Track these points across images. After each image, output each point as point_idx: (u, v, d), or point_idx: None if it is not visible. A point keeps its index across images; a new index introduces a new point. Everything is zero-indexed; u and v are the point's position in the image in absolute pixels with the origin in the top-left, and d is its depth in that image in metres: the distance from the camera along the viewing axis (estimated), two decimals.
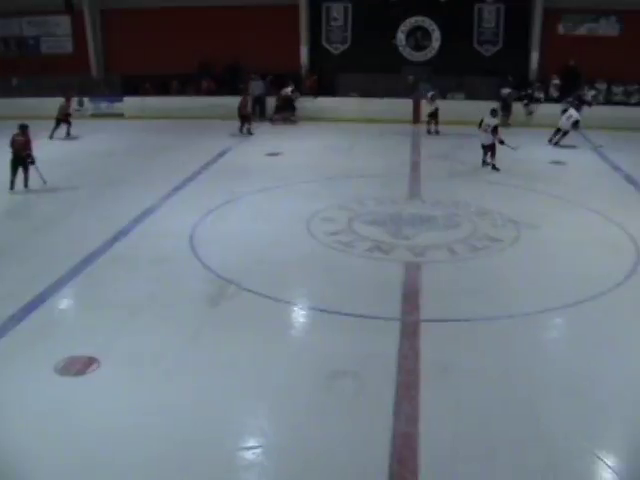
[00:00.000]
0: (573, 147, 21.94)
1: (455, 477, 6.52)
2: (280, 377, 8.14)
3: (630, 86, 26.15)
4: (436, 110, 23.73)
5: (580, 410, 7.57)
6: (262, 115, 25.77)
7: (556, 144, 22.14)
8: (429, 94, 24.35)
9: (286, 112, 25.34)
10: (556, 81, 26.30)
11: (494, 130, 18.09)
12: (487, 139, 18.28)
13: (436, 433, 7.09)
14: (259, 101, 25.83)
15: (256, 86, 25.76)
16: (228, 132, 23.35)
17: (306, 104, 25.67)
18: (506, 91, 25.41)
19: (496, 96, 25.05)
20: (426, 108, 24.34)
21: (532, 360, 8.65)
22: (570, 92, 24.98)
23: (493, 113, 18.65)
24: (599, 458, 6.78)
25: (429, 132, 23.74)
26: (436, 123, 23.70)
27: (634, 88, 25.98)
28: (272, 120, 25.11)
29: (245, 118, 23.15)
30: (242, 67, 26.62)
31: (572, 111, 22.28)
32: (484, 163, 18.55)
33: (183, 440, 6.97)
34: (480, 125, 18.41)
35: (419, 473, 6.52)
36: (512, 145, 18.49)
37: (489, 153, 18.39)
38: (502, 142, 18.33)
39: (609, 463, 6.73)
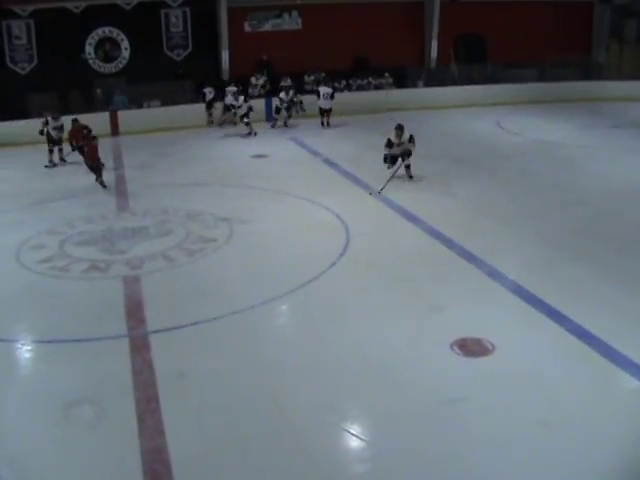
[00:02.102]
0: (272, 139, 22.84)
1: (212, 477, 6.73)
2: (14, 420, 7.84)
3: (318, 74, 27.76)
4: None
5: (319, 387, 8.11)
6: None
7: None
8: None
9: None
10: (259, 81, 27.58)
11: None
12: None
13: (184, 441, 7.22)
14: None
15: None
16: None
17: None
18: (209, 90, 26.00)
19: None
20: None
21: (267, 349, 9.07)
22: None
23: None
24: (345, 429, 7.31)
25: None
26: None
27: (321, 76, 27.48)
28: None
29: None
30: None
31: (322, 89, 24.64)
32: None
33: None
34: None
35: None
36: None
37: None
38: None
39: (354, 432, 7.29)
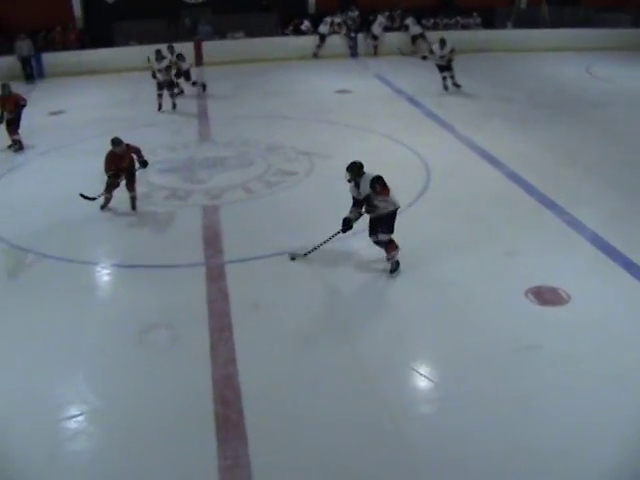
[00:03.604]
0: (356, 75, 22.56)
1: (279, 409, 6.76)
2: (93, 340, 8.04)
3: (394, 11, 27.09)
4: None
5: (391, 324, 8.10)
6: (32, 78, 24.30)
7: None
8: None
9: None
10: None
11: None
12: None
13: (255, 370, 7.31)
14: (27, 61, 24.31)
15: (22, 46, 24.13)
16: None
17: (78, 58, 24.69)
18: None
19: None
20: None
21: (343, 286, 9.07)
22: None
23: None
24: (414, 369, 7.29)
25: None
26: None
27: (397, 13, 26.91)
28: None
29: None
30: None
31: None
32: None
33: (2, 418, 6.83)
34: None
35: (244, 411, 6.72)
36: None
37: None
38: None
39: (423, 372, 7.28)
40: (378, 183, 8.78)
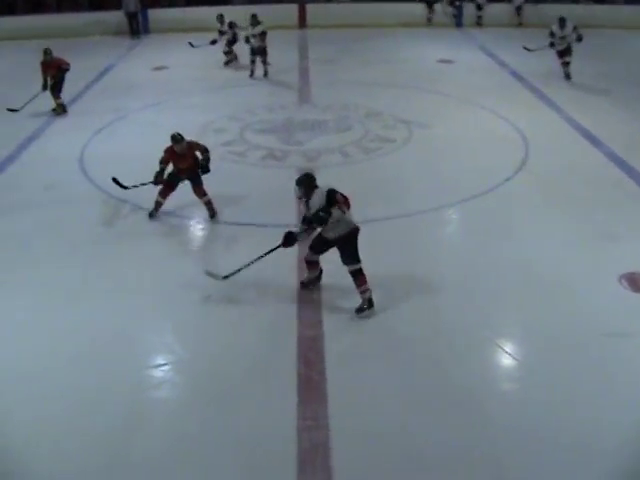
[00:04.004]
0: (460, 45, 22.13)
1: (360, 375, 6.71)
2: (182, 292, 8.14)
3: None
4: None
5: (479, 299, 7.92)
6: (137, 33, 24.70)
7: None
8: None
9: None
10: None
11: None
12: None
13: (340, 334, 7.29)
14: (133, 17, 24.71)
15: (129, 1, 24.52)
16: (111, 48, 22.59)
17: (183, 15, 24.94)
18: None
19: None
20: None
21: (431, 255, 8.91)
22: None
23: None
24: (499, 346, 7.11)
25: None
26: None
27: None
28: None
29: None
30: None
31: None
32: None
33: (90, 363, 6.98)
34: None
35: (326, 373, 6.71)
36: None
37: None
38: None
39: (508, 350, 7.07)
40: (337, 193, 7.47)
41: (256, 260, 8.00)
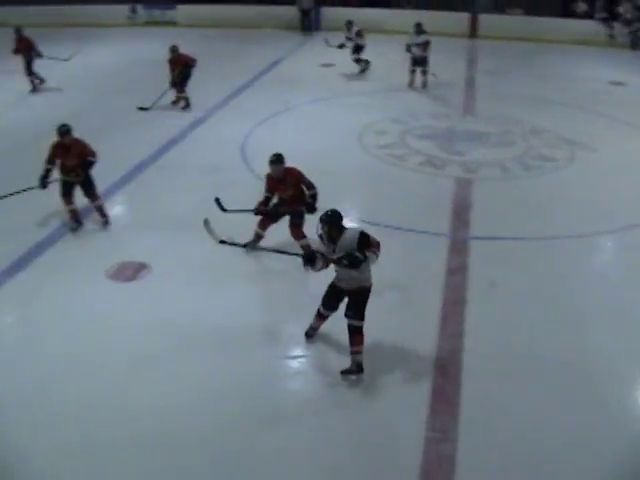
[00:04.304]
0: (634, 67, 21.30)
1: (497, 394, 6.59)
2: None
3: None
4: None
5: (626, 333, 7.56)
6: (309, 29, 25.14)
7: None
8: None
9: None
10: None
11: None
12: None
13: (480, 349, 7.18)
14: (307, 14, 25.17)
15: None
16: (282, 42, 23.08)
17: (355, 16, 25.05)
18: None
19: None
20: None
21: (581, 282, 8.61)
22: None
23: None
24: None
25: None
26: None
27: None
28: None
29: None
30: None
31: None
32: None
33: (230, 342, 7.21)
34: None
35: (461, 387, 6.63)
36: None
37: None
38: None
39: None
40: (370, 236, 6.62)
41: (275, 251, 8.15)
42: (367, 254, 6.46)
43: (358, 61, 18.96)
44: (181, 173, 11.63)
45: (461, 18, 24.79)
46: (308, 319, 7.25)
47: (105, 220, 9.80)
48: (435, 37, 17.47)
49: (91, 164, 9.46)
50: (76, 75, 17.98)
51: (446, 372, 6.83)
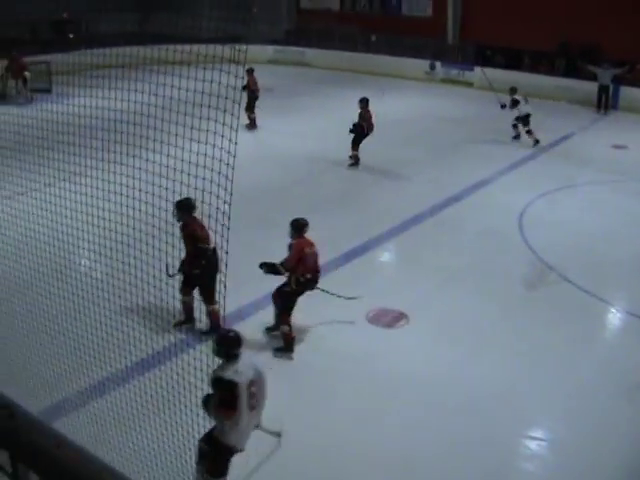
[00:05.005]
0: None
1: None
2: (582, 378, 8.01)
3: None
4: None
5: None
6: (604, 107, 24.35)
7: None
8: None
9: None
10: None
11: None
12: None
13: None
14: (605, 90, 24.41)
15: (603, 74, 24.30)
16: (573, 117, 22.65)
17: None
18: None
19: None
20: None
21: None
22: None
23: None
24: None
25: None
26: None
27: None
28: None
29: None
30: (600, 51, 25.19)
31: None
32: None
33: (476, 404, 7.27)
34: None
35: None
36: None
37: None
38: None
39: None
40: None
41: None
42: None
43: (515, 127, 18.44)
44: (455, 231, 11.90)
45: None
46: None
47: None
48: None
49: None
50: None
51: None
